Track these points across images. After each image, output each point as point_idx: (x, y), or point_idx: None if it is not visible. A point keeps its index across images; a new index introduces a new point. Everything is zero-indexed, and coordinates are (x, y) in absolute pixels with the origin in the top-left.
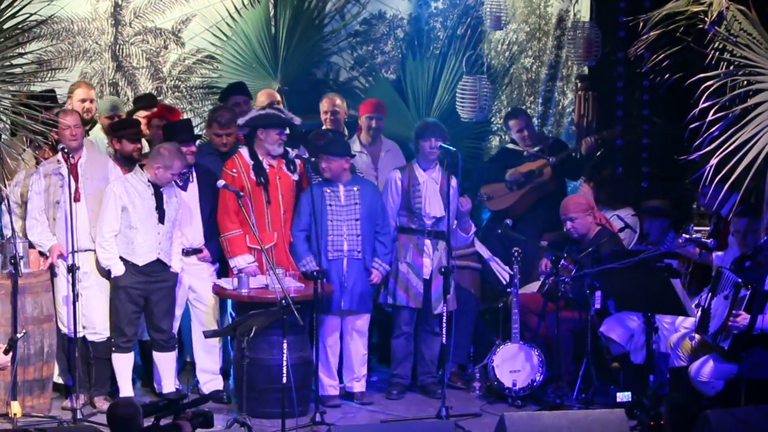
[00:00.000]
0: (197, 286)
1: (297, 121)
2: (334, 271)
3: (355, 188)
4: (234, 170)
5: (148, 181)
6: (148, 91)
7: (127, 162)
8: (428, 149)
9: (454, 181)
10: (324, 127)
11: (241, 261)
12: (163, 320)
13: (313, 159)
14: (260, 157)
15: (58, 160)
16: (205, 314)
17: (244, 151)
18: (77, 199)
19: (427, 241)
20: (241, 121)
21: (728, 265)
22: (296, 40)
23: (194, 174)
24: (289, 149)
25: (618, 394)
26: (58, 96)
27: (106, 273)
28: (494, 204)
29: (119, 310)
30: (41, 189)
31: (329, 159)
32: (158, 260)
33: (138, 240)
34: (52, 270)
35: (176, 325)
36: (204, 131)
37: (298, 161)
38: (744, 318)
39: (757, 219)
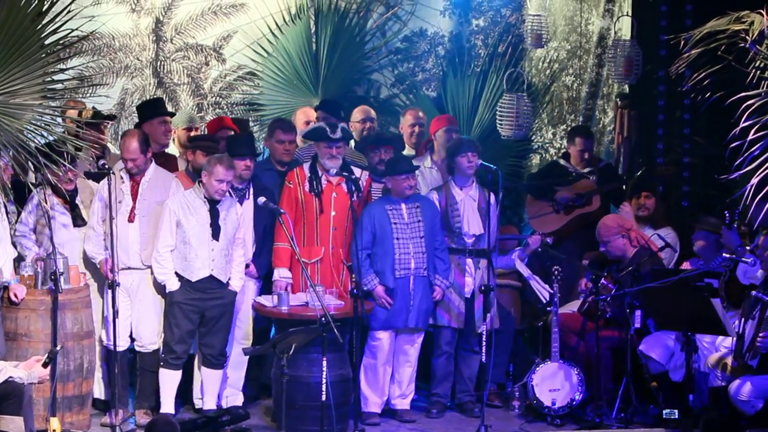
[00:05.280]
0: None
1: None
2: (400, 289)
3: (417, 205)
4: (291, 182)
5: (204, 197)
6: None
7: (197, 176)
8: (466, 164)
9: (493, 198)
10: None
11: (276, 273)
12: (217, 337)
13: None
14: (319, 173)
15: (122, 177)
16: (240, 329)
17: (306, 165)
18: (131, 220)
19: (469, 260)
20: (302, 132)
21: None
22: (337, 57)
23: (251, 191)
24: (357, 169)
25: (664, 411)
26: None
27: (161, 289)
28: (538, 225)
29: (172, 327)
30: (103, 204)
31: (395, 179)
32: (213, 277)
33: (192, 256)
34: (112, 283)
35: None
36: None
37: (365, 179)
38: None
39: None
